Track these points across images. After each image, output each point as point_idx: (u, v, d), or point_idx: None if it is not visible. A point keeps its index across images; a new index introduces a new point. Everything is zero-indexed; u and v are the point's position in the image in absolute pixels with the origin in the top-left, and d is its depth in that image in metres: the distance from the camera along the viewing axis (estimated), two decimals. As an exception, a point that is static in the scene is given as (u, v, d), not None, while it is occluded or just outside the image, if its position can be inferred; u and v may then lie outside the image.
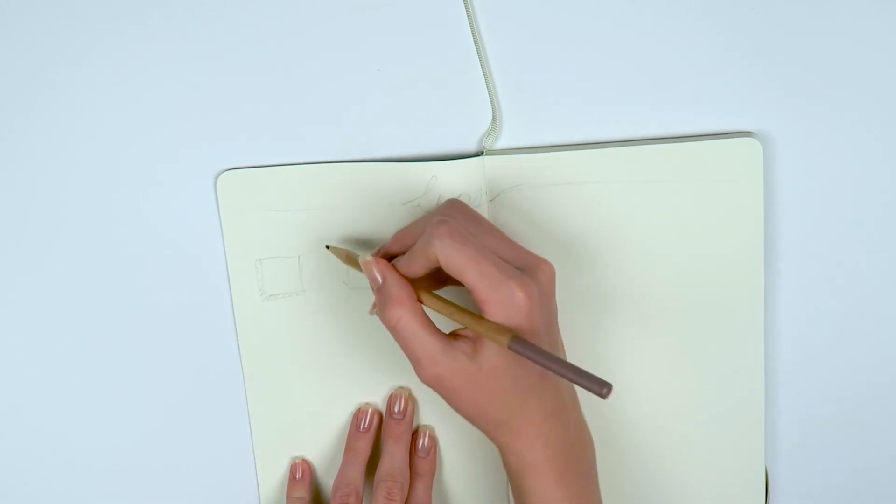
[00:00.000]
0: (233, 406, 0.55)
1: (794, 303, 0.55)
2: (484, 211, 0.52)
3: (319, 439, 0.56)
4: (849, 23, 0.51)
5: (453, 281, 0.45)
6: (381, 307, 0.46)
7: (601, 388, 0.39)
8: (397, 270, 0.46)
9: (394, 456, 0.53)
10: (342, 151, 0.52)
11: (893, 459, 0.59)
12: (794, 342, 0.56)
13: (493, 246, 0.45)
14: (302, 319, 0.53)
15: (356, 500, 0.52)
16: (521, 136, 0.52)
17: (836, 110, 0.52)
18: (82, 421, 0.55)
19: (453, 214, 0.46)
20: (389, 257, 0.48)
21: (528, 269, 0.45)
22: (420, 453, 0.55)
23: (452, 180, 0.51)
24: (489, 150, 0.52)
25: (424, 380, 0.45)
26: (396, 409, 0.54)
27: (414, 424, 0.55)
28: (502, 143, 0.52)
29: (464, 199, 0.52)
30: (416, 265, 0.45)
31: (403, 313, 0.45)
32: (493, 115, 0.51)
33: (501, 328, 0.43)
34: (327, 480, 0.56)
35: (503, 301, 0.43)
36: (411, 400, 0.55)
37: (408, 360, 0.49)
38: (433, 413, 0.55)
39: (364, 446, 0.54)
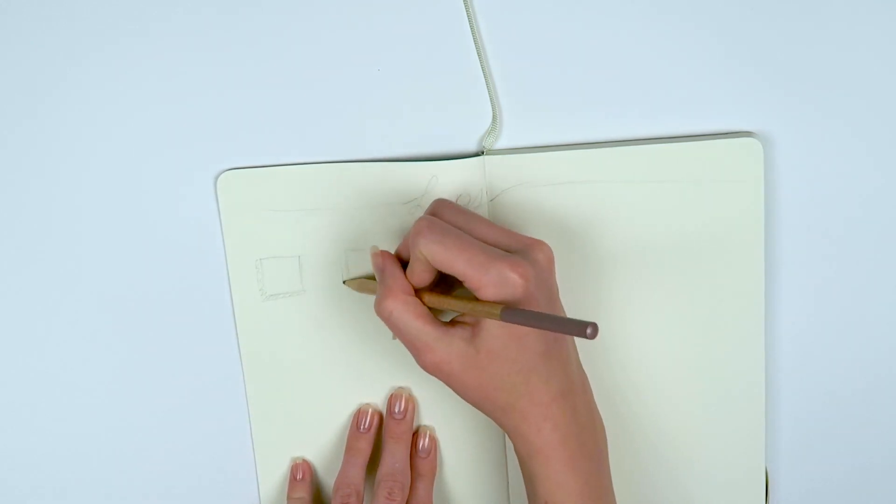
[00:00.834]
0: (233, 406, 0.55)
1: (794, 303, 0.55)
2: (484, 211, 0.52)
3: (320, 439, 0.56)
4: (849, 24, 0.51)
5: (461, 284, 0.45)
6: (377, 300, 0.46)
7: (584, 328, 0.38)
8: (399, 264, 0.47)
9: (394, 456, 0.53)
10: (342, 151, 0.52)
11: (893, 459, 0.59)
12: (794, 342, 0.56)
13: (484, 235, 0.46)
14: (302, 319, 0.53)
15: (357, 500, 0.52)
16: (521, 136, 0.52)
17: (837, 110, 0.52)
18: (82, 421, 0.55)
19: (438, 211, 0.47)
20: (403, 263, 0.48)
21: (524, 251, 0.45)
22: (420, 454, 0.55)
23: (452, 180, 0.51)
24: (489, 150, 0.52)
25: (424, 367, 0.46)
26: (397, 410, 0.54)
27: (414, 425, 0.55)
28: (502, 143, 0.52)
29: (464, 199, 0.52)
30: (417, 271, 0.46)
31: (395, 306, 0.45)
32: (493, 115, 0.51)
33: (494, 304, 0.43)
34: (328, 481, 0.56)
35: (495, 283, 0.43)
36: (412, 400, 0.55)
37: (408, 361, 0.49)
38: (433, 413, 0.55)
39: (364, 446, 0.54)
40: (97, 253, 0.52)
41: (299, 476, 0.55)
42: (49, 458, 0.55)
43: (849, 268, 0.55)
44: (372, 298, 0.48)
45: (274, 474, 0.56)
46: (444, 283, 0.48)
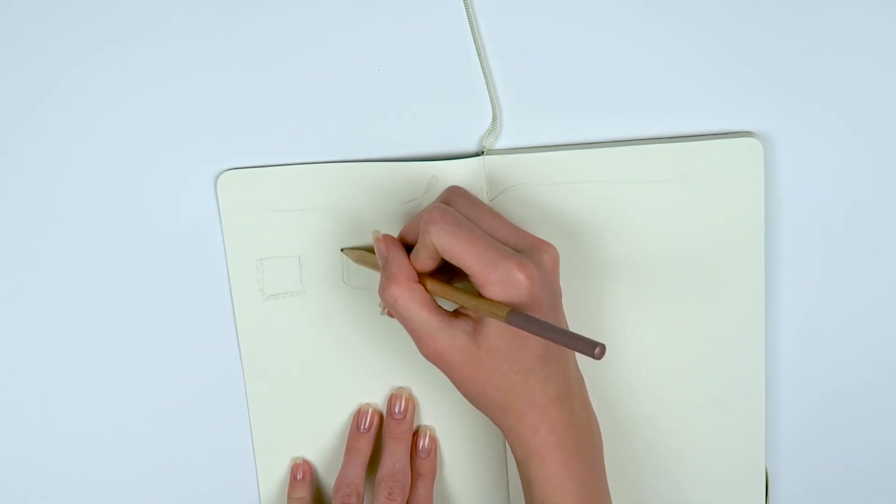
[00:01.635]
0: (233, 406, 0.55)
1: (794, 302, 0.55)
2: (484, 211, 0.52)
3: (320, 439, 0.56)
4: (849, 24, 0.51)
5: (462, 274, 0.45)
6: (381, 286, 0.46)
7: (593, 348, 0.38)
8: (403, 249, 0.47)
9: (395, 456, 0.53)
10: (342, 151, 0.52)
11: (893, 459, 0.59)
12: (793, 342, 0.56)
13: (493, 229, 0.45)
14: (302, 319, 0.53)
15: (357, 500, 0.52)
16: (521, 136, 0.52)
17: (837, 110, 0.52)
18: (82, 421, 0.55)
19: (451, 199, 0.47)
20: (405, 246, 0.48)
21: (530, 251, 0.45)
22: (421, 454, 0.55)
23: (452, 180, 0.51)
24: (489, 150, 0.52)
25: (425, 355, 0.45)
26: (397, 410, 0.54)
27: (414, 425, 0.55)
28: (502, 143, 0.52)
29: (464, 198, 0.52)
30: (422, 257, 0.45)
31: (401, 293, 0.45)
32: (493, 115, 0.51)
33: (500, 304, 0.42)
34: (328, 481, 0.56)
35: (501, 281, 0.43)
36: (412, 400, 0.55)
37: (408, 361, 0.49)
38: (433, 413, 0.55)
39: (365, 446, 0.54)
40: (97, 253, 0.52)
41: (299, 476, 0.55)
42: (48, 458, 0.55)
43: (849, 268, 0.55)
44: (369, 273, 0.47)
45: (274, 474, 0.56)
46: (446, 269, 0.47)
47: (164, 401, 0.55)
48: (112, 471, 0.56)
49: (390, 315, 0.48)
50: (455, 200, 0.47)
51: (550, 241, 0.46)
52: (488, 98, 0.51)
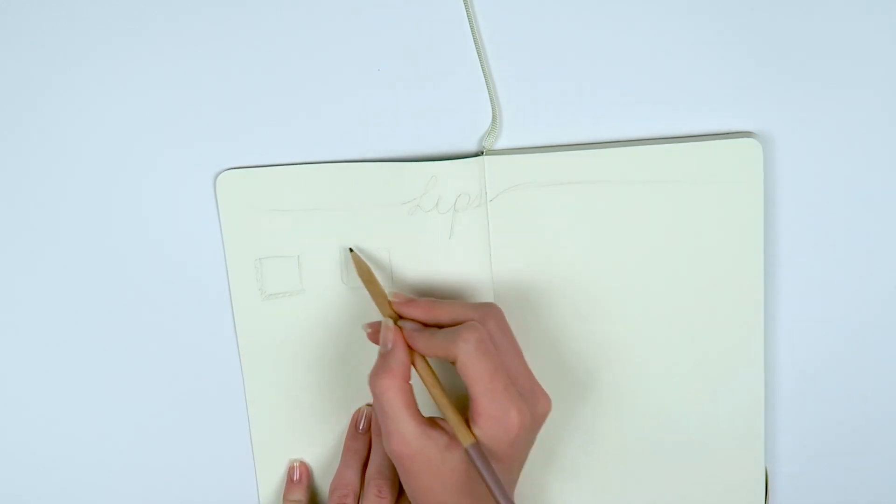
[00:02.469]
0: (232, 406, 0.55)
1: (794, 303, 0.55)
2: (484, 211, 0.52)
3: (319, 440, 0.55)
4: (849, 23, 0.51)
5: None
6: (374, 372, 0.47)
7: None
8: (407, 349, 0.47)
9: (384, 454, 0.53)
10: (342, 151, 0.52)
11: (893, 460, 0.59)
12: (793, 342, 0.56)
13: (510, 362, 0.47)
14: (302, 319, 0.53)
15: (353, 500, 0.52)
16: (521, 136, 0.52)
17: (836, 110, 0.52)
18: (81, 421, 0.54)
19: (486, 319, 0.47)
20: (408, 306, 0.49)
21: (528, 396, 0.47)
22: None
23: (452, 180, 0.51)
24: (489, 150, 0.52)
25: (390, 451, 0.46)
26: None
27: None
28: (502, 143, 0.52)
29: (463, 199, 0.52)
30: (432, 351, 0.47)
31: (391, 386, 0.46)
32: (493, 115, 0.51)
33: (469, 432, 0.45)
34: (326, 482, 0.56)
35: (496, 417, 0.45)
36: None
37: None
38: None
39: (362, 447, 0.54)
40: (96, 253, 0.52)
41: (296, 477, 0.55)
42: (47, 457, 0.55)
43: (848, 268, 0.55)
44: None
45: (273, 475, 0.56)
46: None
47: (162, 400, 0.55)
48: (110, 470, 0.55)
49: (372, 340, 0.49)
50: (489, 322, 0.47)
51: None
52: (488, 98, 0.51)
